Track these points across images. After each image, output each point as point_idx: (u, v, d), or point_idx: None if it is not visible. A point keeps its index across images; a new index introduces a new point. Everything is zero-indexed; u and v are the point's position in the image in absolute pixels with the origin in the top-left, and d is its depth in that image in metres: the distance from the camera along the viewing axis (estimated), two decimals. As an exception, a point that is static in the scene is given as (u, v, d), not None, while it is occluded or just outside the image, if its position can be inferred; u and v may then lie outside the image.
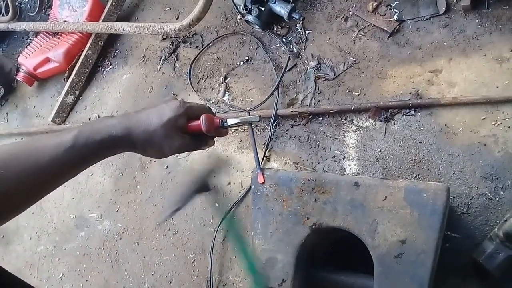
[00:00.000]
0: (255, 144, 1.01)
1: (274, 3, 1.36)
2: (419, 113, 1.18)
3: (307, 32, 1.39)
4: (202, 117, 0.90)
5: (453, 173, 1.10)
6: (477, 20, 1.17)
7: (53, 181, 0.97)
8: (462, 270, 1.04)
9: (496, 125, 1.09)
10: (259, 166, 0.98)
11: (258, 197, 1.02)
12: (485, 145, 1.09)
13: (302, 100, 1.34)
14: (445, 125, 1.14)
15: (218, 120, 0.91)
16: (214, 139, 0.99)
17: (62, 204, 1.68)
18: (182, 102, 0.93)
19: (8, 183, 0.91)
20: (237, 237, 0.91)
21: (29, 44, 1.92)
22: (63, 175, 0.98)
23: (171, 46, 1.63)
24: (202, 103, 0.99)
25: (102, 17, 1.75)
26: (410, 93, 1.20)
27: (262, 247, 1.00)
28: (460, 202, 1.08)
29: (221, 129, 0.92)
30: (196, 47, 1.59)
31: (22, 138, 1.90)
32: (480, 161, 1.08)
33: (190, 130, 0.91)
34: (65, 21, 1.82)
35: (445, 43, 1.20)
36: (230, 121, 0.90)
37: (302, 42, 1.39)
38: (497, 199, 1.05)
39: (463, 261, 1.03)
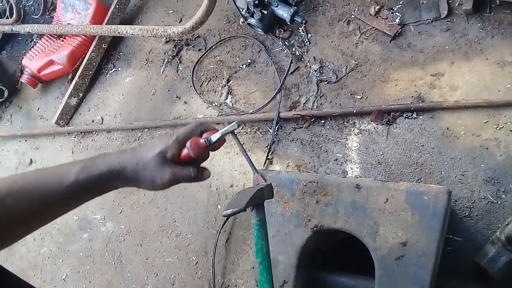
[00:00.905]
0: (244, 150, 1.03)
1: (277, 6, 1.36)
2: (421, 117, 1.18)
3: (309, 35, 1.40)
4: (187, 144, 0.95)
5: (455, 177, 1.11)
6: (479, 24, 1.18)
7: (55, 213, 1.04)
8: (464, 273, 1.04)
9: (498, 128, 1.09)
10: (255, 169, 0.99)
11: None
12: (487, 148, 1.09)
13: (305, 103, 1.35)
14: (447, 128, 1.14)
15: (204, 140, 0.95)
16: (209, 170, 1.05)
17: (65, 206, 1.68)
18: (173, 135, 0.99)
19: (12, 211, 0.95)
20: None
21: (33, 47, 1.94)
22: (64, 208, 1.05)
23: (174, 49, 1.64)
24: (191, 123, 1.03)
25: (105, 20, 1.76)
26: (412, 96, 1.20)
27: (264, 249, 1.01)
28: (462, 206, 1.08)
29: (213, 145, 0.97)
30: (199, 50, 1.60)
31: (26, 140, 1.91)
32: (482, 165, 1.09)
33: (183, 160, 0.97)
34: (69, 23, 1.83)
35: (447, 47, 1.20)
36: (214, 138, 0.95)
37: (305, 45, 1.40)
38: (499, 202, 1.05)
39: (465, 264, 1.04)
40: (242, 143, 1.06)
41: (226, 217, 0.84)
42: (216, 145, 0.99)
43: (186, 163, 0.97)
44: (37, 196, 0.97)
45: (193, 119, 1.49)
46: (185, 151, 0.95)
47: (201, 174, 1.02)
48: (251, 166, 1.01)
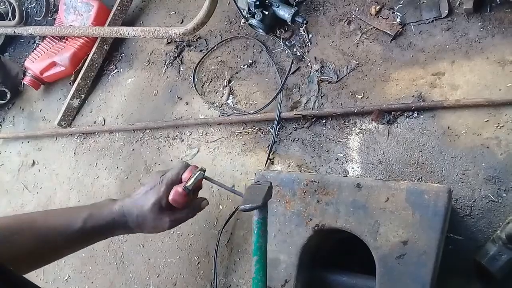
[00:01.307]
0: (221, 184, 1.12)
1: (278, 7, 1.37)
2: (422, 116, 1.18)
3: (310, 35, 1.40)
4: (170, 198, 1.05)
5: (456, 176, 1.11)
6: (479, 23, 1.18)
7: (59, 254, 1.11)
8: (465, 271, 1.04)
9: (498, 127, 1.09)
10: (240, 193, 1.05)
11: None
12: (488, 147, 1.09)
13: (306, 103, 1.35)
14: (448, 127, 1.14)
15: (182, 189, 1.05)
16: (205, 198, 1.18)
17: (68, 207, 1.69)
18: (162, 181, 1.08)
19: (19, 249, 0.99)
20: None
21: (35, 49, 1.94)
22: (69, 250, 1.13)
23: (175, 50, 1.65)
24: (175, 165, 1.13)
25: (107, 22, 1.77)
26: (413, 96, 1.21)
27: (265, 248, 1.01)
28: (463, 205, 1.08)
29: (192, 189, 1.06)
30: (201, 50, 1.60)
31: (28, 142, 1.92)
32: (483, 164, 1.09)
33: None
34: (71, 25, 1.84)
35: (447, 46, 1.20)
36: (189, 184, 1.04)
37: (306, 45, 1.40)
38: (499, 201, 1.05)
39: (466, 263, 1.04)
40: (218, 179, 1.15)
41: (244, 211, 0.86)
42: (196, 189, 1.09)
43: None
44: (45, 238, 1.04)
45: (195, 119, 1.49)
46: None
47: (198, 208, 1.12)
48: (236, 193, 1.07)
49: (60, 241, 1.06)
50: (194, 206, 1.14)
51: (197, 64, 1.58)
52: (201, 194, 1.19)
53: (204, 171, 1.11)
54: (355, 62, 1.31)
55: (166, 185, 1.08)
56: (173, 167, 1.12)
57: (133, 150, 1.62)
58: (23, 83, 1.97)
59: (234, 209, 1.33)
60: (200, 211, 1.13)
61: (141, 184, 1.16)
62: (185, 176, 1.10)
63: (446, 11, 1.22)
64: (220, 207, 1.38)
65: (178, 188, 1.06)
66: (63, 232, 1.05)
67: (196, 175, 1.08)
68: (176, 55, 1.65)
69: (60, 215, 1.12)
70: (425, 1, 1.25)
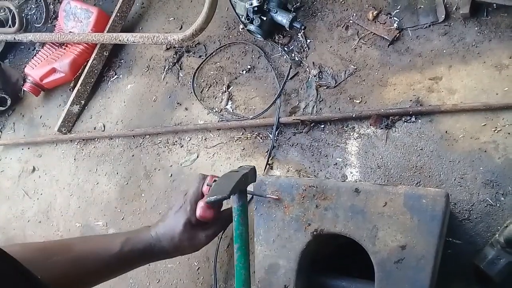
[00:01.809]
0: None
1: (276, 12, 1.37)
2: (419, 120, 1.19)
3: (308, 41, 1.41)
4: (197, 215, 1.06)
5: (454, 180, 1.11)
6: (476, 28, 1.18)
7: (98, 279, 1.12)
8: (464, 276, 1.04)
9: (496, 131, 1.10)
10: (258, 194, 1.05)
11: (260, 203, 1.03)
12: (485, 151, 1.10)
13: (304, 108, 1.35)
14: (446, 132, 1.15)
15: (206, 204, 1.05)
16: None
17: (68, 213, 1.70)
18: (186, 200, 1.10)
19: (58, 271, 1.00)
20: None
21: (35, 55, 1.95)
22: (107, 275, 1.15)
23: (174, 56, 1.66)
24: (194, 179, 1.15)
25: (107, 28, 1.78)
26: (411, 100, 1.21)
27: (264, 253, 1.01)
28: (461, 209, 1.09)
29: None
30: (199, 56, 1.61)
31: (28, 148, 1.93)
32: (481, 168, 1.09)
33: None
34: (70, 32, 1.85)
35: (444, 51, 1.21)
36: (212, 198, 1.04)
37: (304, 50, 1.41)
38: (498, 205, 1.06)
39: (465, 267, 1.04)
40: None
41: (211, 204, 0.86)
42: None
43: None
44: (83, 261, 1.05)
45: (194, 124, 1.50)
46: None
47: (229, 218, 1.10)
48: (256, 195, 1.05)
49: (99, 265, 1.07)
50: (225, 218, 1.15)
51: (196, 70, 1.59)
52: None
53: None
54: (353, 67, 1.32)
55: (190, 204, 1.10)
56: (192, 183, 1.14)
57: (133, 156, 1.63)
58: (23, 90, 1.98)
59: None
60: (231, 221, 1.13)
61: (168, 208, 1.18)
62: (204, 189, 1.11)
63: (443, 16, 1.22)
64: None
65: (202, 203, 1.08)
66: (101, 255, 1.07)
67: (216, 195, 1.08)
68: (175, 61, 1.65)
69: (98, 240, 1.15)
70: (422, 6, 1.26)
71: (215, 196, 0.83)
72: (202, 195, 1.11)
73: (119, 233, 1.20)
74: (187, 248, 1.13)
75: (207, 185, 1.10)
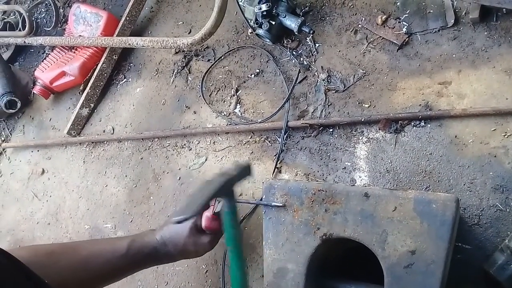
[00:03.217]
0: (246, 201, 1.15)
1: (285, 17, 1.38)
2: (429, 125, 1.19)
3: (317, 45, 1.41)
4: (203, 226, 1.07)
5: (464, 185, 1.11)
6: (485, 32, 1.18)
7: (105, 280, 1.13)
8: (473, 281, 1.04)
9: (506, 136, 1.09)
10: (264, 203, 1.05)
11: (269, 207, 1.03)
12: (495, 156, 1.09)
13: (313, 112, 1.36)
14: (455, 136, 1.15)
15: (211, 215, 1.05)
16: None
17: (77, 215, 1.71)
18: None
19: (66, 274, 1.01)
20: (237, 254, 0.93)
21: (45, 58, 1.97)
22: (114, 276, 1.16)
23: (183, 60, 1.67)
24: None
25: (116, 32, 1.79)
26: (420, 104, 1.21)
27: (273, 257, 1.02)
28: (471, 214, 1.09)
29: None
30: (208, 60, 1.62)
31: (38, 150, 1.94)
32: (491, 173, 1.09)
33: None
34: (80, 35, 1.87)
35: (454, 55, 1.21)
36: (217, 210, 1.05)
37: (312, 55, 1.41)
38: (507, 210, 1.05)
39: (475, 272, 1.04)
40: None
41: (177, 223, 0.86)
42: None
43: None
44: (90, 263, 1.07)
45: (203, 128, 1.50)
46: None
47: None
48: (262, 204, 1.04)
49: (105, 267, 1.08)
50: None
51: (205, 74, 1.60)
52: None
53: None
54: (361, 71, 1.32)
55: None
56: None
57: (141, 158, 1.64)
58: (33, 93, 1.99)
59: (241, 218, 1.34)
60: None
61: (174, 212, 1.19)
62: (212, 201, 1.11)
63: (452, 21, 1.22)
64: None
65: (207, 213, 1.09)
66: (107, 258, 1.08)
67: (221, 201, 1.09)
68: (184, 64, 1.66)
69: (104, 243, 1.16)
70: (431, 11, 1.26)
71: (181, 216, 0.82)
72: (209, 205, 1.12)
73: (125, 236, 1.21)
74: (191, 252, 1.15)
75: (213, 211, 1.12)
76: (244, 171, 0.93)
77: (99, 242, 1.20)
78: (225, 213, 0.89)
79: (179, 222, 0.83)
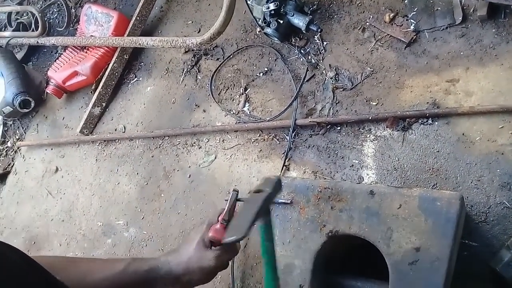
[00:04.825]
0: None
1: (292, 15, 1.39)
2: (436, 123, 1.19)
3: (325, 43, 1.42)
4: (209, 235, 1.08)
5: (471, 182, 1.11)
6: (493, 30, 1.18)
7: None
8: (480, 278, 1.04)
9: (513, 133, 1.09)
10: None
11: (276, 205, 1.04)
12: (502, 154, 1.09)
13: (321, 110, 1.37)
14: (463, 134, 1.15)
15: (220, 224, 1.08)
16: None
17: (90, 212, 1.74)
18: (202, 223, 1.10)
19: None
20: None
21: (57, 58, 2.00)
22: None
23: (193, 59, 1.68)
24: (215, 210, 1.11)
25: (127, 32, 1.81)
26: (428, 102, 1.21)
27: (280, 253, 1.03)
28: (478, 211, 1.09)
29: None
30: (217, 59, 1.64)
31: (51, 149, 1.98)
32: (498, 170, 1.09)
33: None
34: (92, 35, 1.89)
35: (462, 53, 1.21)
36: (226, 216, 1.09)
37: (320, 53, 1.42)
38: (515, 207, 1.05)
39: (481, 270, 1.04)
40: (235, 185, 1.18)
41: (227, 244, 0.88)
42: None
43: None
44: (89, 278, 1.07)
45: (212, 126, 1.52)
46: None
47: (234, 249, 1.11)
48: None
49: (103, 282, 1.08)
50: (232, 249, 1.13)
51: (214, 72, 1.61)
52: (219, 198, 1.21)
53: (237, 193, 1.12)
54: (369, 69, 1.33)
55: (206, 224, 1.12)
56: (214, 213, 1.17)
57: (152, 156, 1.66)
58: (46, 92, 2.03)
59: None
60: (238, 250, 1.15)
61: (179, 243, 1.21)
62: (221, 217, 1.12)
63: (460, 18, 1.22)
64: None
65: (216, 226, 1.10)
66: (105, 274, 1.07)
67: (229, 199, 1.10)
68: (194, 63, 1.68)
69: (104, 260, 1.17)
70: (439, 8, 1.26)
71: (233, 237, 0.83)
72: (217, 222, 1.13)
73: (126, 257, 1.22)
74: (195, 270, 1.09)
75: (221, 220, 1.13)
76: (278, 186, 0.94)
77: (98, 259, 1.22)
78: (260, 227, 0.90)
79: (229, 243, 0.85)
